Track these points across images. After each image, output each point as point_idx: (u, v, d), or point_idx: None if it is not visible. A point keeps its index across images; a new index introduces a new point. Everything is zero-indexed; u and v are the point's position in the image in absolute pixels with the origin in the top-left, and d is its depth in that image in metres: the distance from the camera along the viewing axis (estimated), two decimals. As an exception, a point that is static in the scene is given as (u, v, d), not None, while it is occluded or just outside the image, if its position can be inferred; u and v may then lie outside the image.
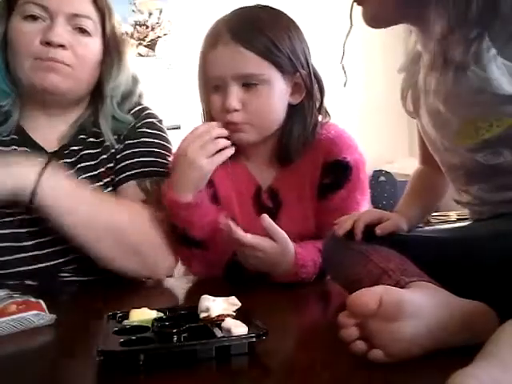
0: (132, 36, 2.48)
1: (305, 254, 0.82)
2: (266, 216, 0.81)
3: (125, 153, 0.93)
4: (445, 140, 0.72)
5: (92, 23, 0.89)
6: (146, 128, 0.96)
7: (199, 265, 0.94)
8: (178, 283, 1.10)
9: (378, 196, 2.50)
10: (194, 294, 0.99)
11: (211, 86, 0.88)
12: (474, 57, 0.60)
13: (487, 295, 0.52)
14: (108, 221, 0.84)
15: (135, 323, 0.57)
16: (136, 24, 2.50)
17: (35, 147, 0.91)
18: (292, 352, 0.54)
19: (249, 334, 0.51)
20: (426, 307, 0.48)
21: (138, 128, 0.95)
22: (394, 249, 0.65)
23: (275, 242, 0.80)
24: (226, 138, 0.86)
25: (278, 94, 0.88)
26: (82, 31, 0.88)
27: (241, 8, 0.92)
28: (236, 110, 0.85)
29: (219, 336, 0.52)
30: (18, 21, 0.86)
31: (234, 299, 0.60)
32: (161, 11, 2.50)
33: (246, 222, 0.87)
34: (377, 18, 0.71)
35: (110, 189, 0.92)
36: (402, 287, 0.51)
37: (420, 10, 0.67)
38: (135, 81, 0.99)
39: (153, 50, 2.49)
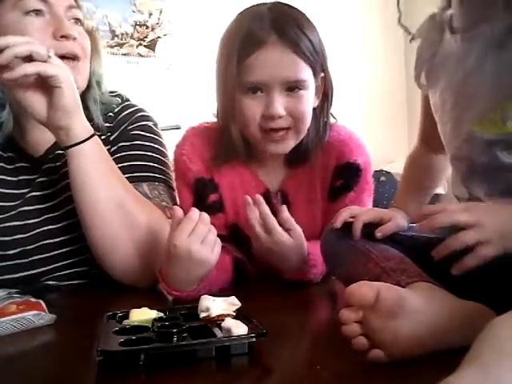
0: (132, 36, 2.48)
1: (317, 255, 0.81)
2: (285, 208, 0.80)
3: (118, 155, 0.88)
4: (463, 123, 0.68)
5: (81, 13, 0.87)
6: (140, 131, 0.92)
7: None
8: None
9: (379, 196, 2.49)
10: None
11: (247, 88, 0.82)
12: None
13: (485, 295, 0.52)
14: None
15: (135, 323, 0.57)
16: (136, 24, 2.50)
17: (21, 153, 0.88)
18: (292, 352, 0.54)
19: (249, 334, 0.51)
20: (426, 307, 0.48)
21: (131, 130, 0.92)
22: (393, 246, 0.65)
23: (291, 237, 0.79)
24: None
25: (312, 98, 0.87)
26: (77, 21, 0.86)
27: (272, 3, 0.87)
28: (280, 117, 0.82)
29: (219, 336, 0.52)
30: (17, 16, 0.80)
31: (233, 299, 0.61)
32: (161, 11, 2.50)
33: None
34: None
35: None
36: (402, 287, 0.51)
37: None
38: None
39: (153, 50, 2.49)
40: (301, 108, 0.84)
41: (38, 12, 0.81)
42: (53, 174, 0.88)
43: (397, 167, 2.74)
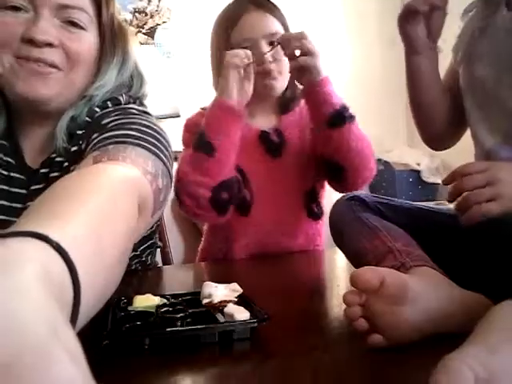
0: (131, 23, 2.47)
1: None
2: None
3: (94, 141, 0.69)
4: (505, 99, 0.70)
5: (85, 15, 0.75)
6: (118, 114, 0.75)
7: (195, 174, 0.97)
8: (177, 271, 1.12)
9: (377, 185, 2.52)
10: (193, 281, 1.01)
11: (239, 48, 1.01)
12: None
13: (483, 284, 0.53)
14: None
15: (139, 309, 0.59)
16: (135, 11, 2.48)
17: (20, 162, 0.79)
18: (293, 337, 0.56)
19: (251, 319, 0.53)
20: (427, 294, 0.49)
21: (108, 118, 0.74)
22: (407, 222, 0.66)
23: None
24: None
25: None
26: (74, 24, 0.74)
27: None
28: (270, 62, 1.03)
29: (222, 321, 0.53)
30: None
31: (235, 285, 0.62)
32: (160, -1, 2.49)
33: (252, 165, 1.07)
34: None
35: None
36: (406, 269, 0.53)
37: None
38: (138, 80, 0.85)
39: (152, 37, 2.47)
40: (282, 56, 1.02)
41: (17, 8, 0.71)
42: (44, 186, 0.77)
43: (395, 156, 2.75)
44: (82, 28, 0.75)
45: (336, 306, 0.68)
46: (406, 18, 0.81)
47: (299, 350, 0.51)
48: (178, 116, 2.23)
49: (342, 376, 0.45)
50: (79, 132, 0.76)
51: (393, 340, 0.47)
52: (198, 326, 0.51)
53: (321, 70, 0.96)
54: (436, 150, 0.97)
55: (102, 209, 0.42)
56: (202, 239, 1.22)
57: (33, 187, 0.78)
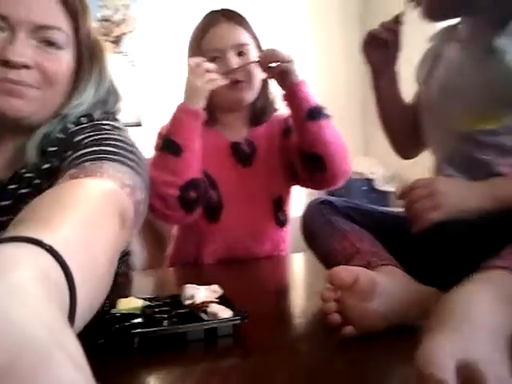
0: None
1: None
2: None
3: (70, 159, 0.67)
4: (451, 118, 0.79)
5: (63, 35, 0.73)
6: (92, 130, 0.74)
7: (163, 174, 1.01)
8: (147, 277, 1.14)
9: (335, 192, 2.61)
10: (167, 285, 1.04)
11: (209, 57, 1.07)
12: None
13: (435, 277, 0.60)
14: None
15: (124, 311, 0.61)
16: (102, 19, 2.47)
17: None
18: (271, 333, 0.60)
19: (233, 317, 0.57)
20: (392, 289, 0.55)
21: (81, 135, 0.73)
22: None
23: None
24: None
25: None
26: (51, 44, 0.73)
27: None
28: (238, 71, 1.08)
29: (207, 319, 0.57)
30: None
31: (216, 287, 0.66)
32: (127, 7, 2.48)
33: (223, 173, 1.12)
34: (433, 12, 0.80)
35: None
36: (372, 268, 0.59)
37: (472, 2, 0.75)
38: (114, 96, 0.84)
39: (117, 46, 2.47)
40: (250, 66, 1.09)
41: None
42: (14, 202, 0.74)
43: (352, 165, 2.86)
44: (59, 47, 0.74)
45: (306, 303, 0.73)
46: (368, 44, 0.90)
47: (278, 343, 0.56)
48: (140, 125, 2.23)
49: (319, 364, 0.50)
50: (52, 149, 0.75)
51: (363, 330, 0.53)
52: (187, 325, 0.55)
53: (297, 73, 1.05)
54: (404, 158, 1.04)
55: (89, 219, 0.43)
56: (171, 245, 1.24)
57: (1, 203, 0.75)
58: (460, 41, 0.81)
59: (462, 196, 0.65)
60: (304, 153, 1.09)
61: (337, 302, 0.53)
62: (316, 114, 1.05)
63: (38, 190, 0.71)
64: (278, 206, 1.19)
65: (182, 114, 1.04)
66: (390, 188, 2.60)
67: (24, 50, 0.69)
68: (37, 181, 0.75)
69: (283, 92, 1.09)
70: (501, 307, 0.41)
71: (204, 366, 0.52)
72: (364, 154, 2.94)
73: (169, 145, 1.02)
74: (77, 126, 0.76)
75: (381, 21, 0.92)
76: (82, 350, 0.23)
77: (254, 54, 1.13)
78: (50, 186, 0.59)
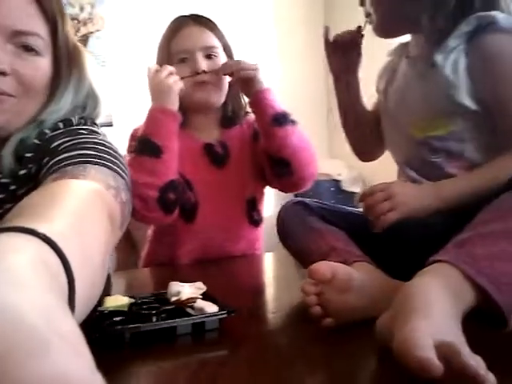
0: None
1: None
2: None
3: (49, 165, 0.67)
4: (402, 126, 0.85)
5: (41, 40, 0.72)
6: (69, 135, 0.73)
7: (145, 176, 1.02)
8: (124, 277, 1.15)
9: (304, 193, 2.67)
10: (143, 285, 1.06)
11: (178, 59, 1.12)
12: (451, 65, 0.74)
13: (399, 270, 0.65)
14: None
15: (111, 308, 0.63)
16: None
17: None
18: (254, 325, 0.64)
19: (220, 311, 0.60)
20: (367, 283, 0.60)
21: (58, 140, 0.72)
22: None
23: None
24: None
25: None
26: (28, 50, 0.71)
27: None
28: (205, 72, 1.11)
29: (195, 314, 0.60)
30: None
31: (200, 284, 0.69)
32: (93, 6, 2.45)
33: (197, 174, 1.14)
34: (383, 29, 0.86)
35: None
36: (348, 264, 0.63)
37: (414, 21, 0.80)
38: (93, 101, 0.82)
39: (84, 45, 2.43)
40: (215, 66, 1.14)
41: None
42: None
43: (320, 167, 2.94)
44: (37, 53, 0.72)
45: (283, 298, 0.77)
46: (331, 50, 0.95)
47: (262, 335, 0.60)
48: (111, 125, 2.21)
49: (303, 352, 0.54)
50: (28, 155, 0.73)
51: (340, 321, 0.57)
52: (177, 319, 0.58)
53: (262, 81, 1.09)
54: (363, 161, 1.10)
55: (81, 213, 0.44)
56: (145, 246, 1.25)
57: None
58: (408, 57, 0.88)
59: (414, 197, 0.72)
60: (271, 157, 1.12)
61: (317, 296, 0.57)
62: (281, 119, 1.08)
63: (13, 196, 0.71)
64: (253, 206, 1.22)
65: (159, 115, 1.05)
66: (355, 189, 2.68)
67: (1, 56, 0.68)
68: (13, 187, 0.73)
69: (249, 100, 1.12)
70: (449, 297, 0.46)
71: (197, 358, 0.54)
72: (330, 156, 3.02)
73: (148, 146, 1.03)
74: (54, 131, 0.74)
75: (344, 29, 0.98)
76: (82, 336, 0.23)
77: (222, 59, 1.16)
78: (26, 192, 0.61)
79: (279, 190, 1.23)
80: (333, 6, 3.21)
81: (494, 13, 0.71)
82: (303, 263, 0.79)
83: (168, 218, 1.07)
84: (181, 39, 1.14)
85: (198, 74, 1.12)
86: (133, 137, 1.17)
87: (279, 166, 1.11)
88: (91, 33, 2.44)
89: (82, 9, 2.41)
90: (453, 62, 0.73)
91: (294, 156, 1.08)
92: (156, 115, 1.06)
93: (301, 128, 1.11)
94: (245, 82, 1.09)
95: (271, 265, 1.21)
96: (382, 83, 0.96)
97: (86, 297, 0.36)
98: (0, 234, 0.29)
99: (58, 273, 0.31)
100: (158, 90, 1.07)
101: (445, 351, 0.37)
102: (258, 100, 1.09)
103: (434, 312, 0.44)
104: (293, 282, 1.00)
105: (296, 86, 3.11)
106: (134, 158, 1.04)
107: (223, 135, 1.21)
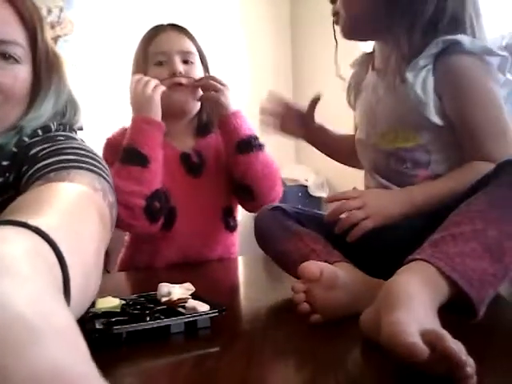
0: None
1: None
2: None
3: (29, 173, 0.67)
4: (371, 136, 0.89)
5: (20, 48, 0.71)
6: (47, 142, 0.72)
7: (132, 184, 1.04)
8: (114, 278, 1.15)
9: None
10: (123, 288, 1.07)
11: (155, 61, 1.16)
12: (421, 83, 0.77)
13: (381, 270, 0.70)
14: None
15: (104, 309, 0.65)
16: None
17: None
18: (246, 323, 0.67)
19: (211, 310, 0.63)
20: (350, 281, 0.64)
21: (36, 148, 0.72)
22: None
23: None
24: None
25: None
26: (7, 58, 0.70)
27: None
28: (180, 73, 1.15)
29: (187, 313, 0.62)
30: None
31: (189, 285, 0.71)
32: (61, 9, 2.41)
33: (174, 182, 1.15)
34: (351, 30, 0.88)
35: None
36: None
37: (386, 30, 0.83)
38: (72, 107, 0.83)
39: (53, 48, 2.39)
40: (194, 73, 1.18)
41: None
42: None
43: (285, 173, 3.00)
44: (16, 62, 0.71)
45: (262, 298, 0.80)
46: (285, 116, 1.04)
47: (252, 331, 0.63)
48: (81, 129, 2.18)
49: (293, 345, 0.57)
50: (5, 163, 0.72)
51: (327, 317, 0.61)
52: (172, 318, 0.60)
53: (228, 105, 1.13)
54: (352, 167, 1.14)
55: (73, 211, 0.45)
56: (122, 251, 1.26)
57: None
58: (375, 69, 0.92)
59: (387, 205, 0.76)
60: (235, 182, 1.17)
61: (305, 293, 0.61)
62: (245, 146, 1.11)
63: None
64: (229, 213, 1.25)
65: (144, 126, 1.07)
66: (323, 194, 2.76)
67: None
68: None
69: (216, 120, 1.16)
70: (427, 291, 0.51)
71: (192, 354, 0.57)
72: (297, 161, 3.09)
73: (135, 156, 1.04)
74: (32, 138, 0.74)
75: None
76: (77, 327, 0.23)
77: (198, 66, 1.20)
78: (6, 201, 0.60)
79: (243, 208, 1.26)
80: (298, 2, 3.28)
81: (459, 36, 0.77)
82: (283, 265, 0.83)
83: (153, 226, 1.09)
84: (159, 42, 1.18)
85: (176, 76, 1.15)
86: (109, 145, 1.18)
87: (243, 192, 1.16)
88: (59, 36, 2.40)
89: (49, 11, 2.37)
90: (422, 80, 0.78)
91: (257, 183, 1.12)
92: (141, 125, 1.07)
93: (266, 152, 1.15)
94: (212, 103, 1.14)
95: (247, 267, 1.25)
96: (352, 95, 1.01)
97: (80, 291, 0.37)
98: None
99: (50, 262, 0.31)
100: (139, 101, 1.09)
101: (429, 337, 0.41)
102: (222, 125, 1.13)
103: (415, 305, 0.48)
104: (270, 284, 1.04)
105: (264, 87, 3.16)
106: (120, 167, 1.05)
107: (198, 144, 1.23)
